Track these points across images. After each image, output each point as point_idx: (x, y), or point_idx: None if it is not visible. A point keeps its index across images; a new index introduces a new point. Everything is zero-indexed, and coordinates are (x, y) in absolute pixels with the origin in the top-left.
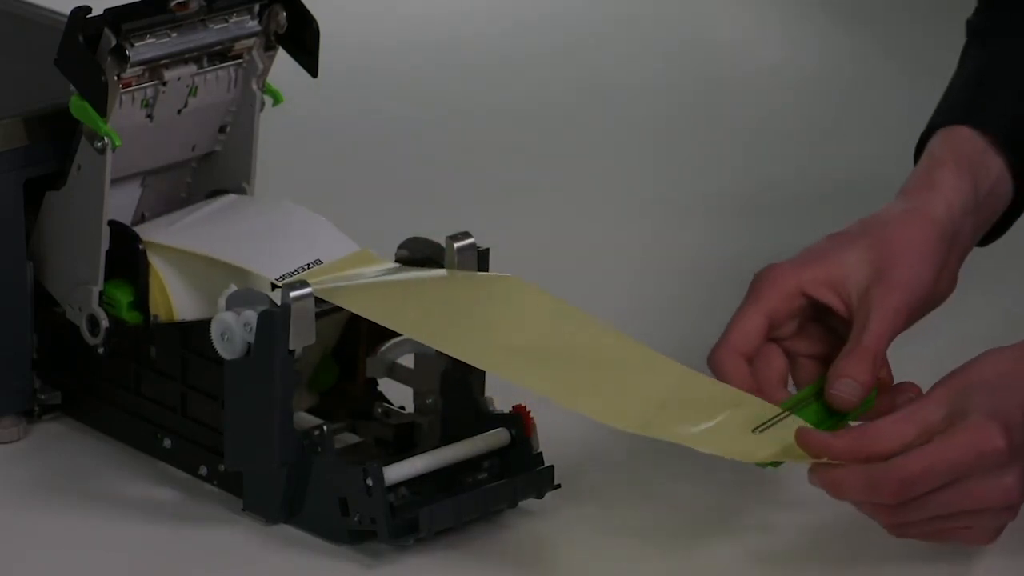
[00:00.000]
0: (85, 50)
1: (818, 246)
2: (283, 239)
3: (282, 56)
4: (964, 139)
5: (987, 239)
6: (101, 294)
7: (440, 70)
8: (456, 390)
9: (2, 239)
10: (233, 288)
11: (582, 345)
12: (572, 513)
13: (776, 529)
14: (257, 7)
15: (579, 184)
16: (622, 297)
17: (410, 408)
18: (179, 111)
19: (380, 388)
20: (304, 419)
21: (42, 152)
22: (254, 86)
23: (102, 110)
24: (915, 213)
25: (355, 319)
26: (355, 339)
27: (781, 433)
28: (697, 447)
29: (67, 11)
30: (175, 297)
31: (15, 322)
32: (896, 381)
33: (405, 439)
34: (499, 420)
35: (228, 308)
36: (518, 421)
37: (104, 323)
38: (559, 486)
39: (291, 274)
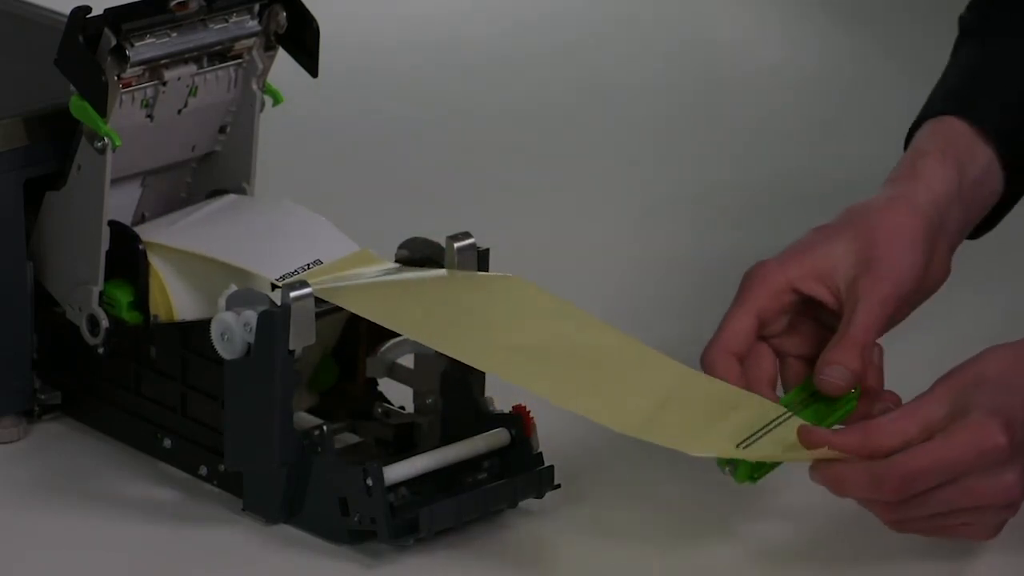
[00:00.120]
0: (85, 50)
1: (804, 240)
2: (283, 239)
3: (282, 56)
4: (951, 129)
5: (979, 231)
6: (101, 294)
7: (440, 70)
8: (456, 390)
9: (2, 239)
10: (233, 288)
11: (582, 345)
12: (572, 513)
13: (776, 529)
14: (257, 7)
15: (579, 184)
16: (622, 297)
17: (410, 408)
18: (179, 111)
19: (380, 388)
20: (304, 419)
21: (42, 152)
22: (254, 86)
23: (102, 110)
24: (899, 201)
25: (355, 319)
26: (355, 339)
27: (778, 436)
28: (692, 452)
29: (67, 11)
30: (175, 297)
31: (15, 322)
32: (897, 376)
33: (405, 439)
34: (499, 420)
35: (228, 308)
36: (518, 421)
37: (104, 323)
38: (559, 486)
39: (291, 274)
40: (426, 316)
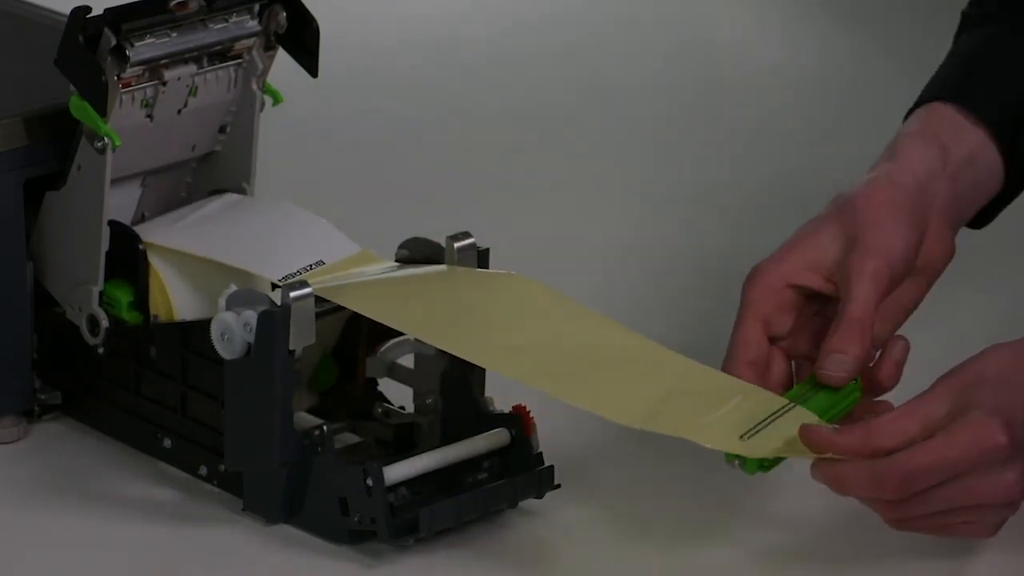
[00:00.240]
0: (85, 50)
1: (795, 235)
2: (284, 240)
3: (282, 56)
4: (936, 114)
5: (982, 220)
6: (101, 294)
7: (440, 70)
8: (456, 390)
9: (2, 239)
10: (233, 288)
11: (584, 340)
12: (572, 513)
13: (776, 528)
14: (257, 7)
15: (579, 184)
16: (622, 297)
17: (410, 408)
18: (179, 111)
19: (380, 388)
20: (304, 419)
21: (42, 152)
22: (254, 86)
23: (102, 110)
24: (878, 180)
25: (355, 319)
26: (355, 339)
27: (780, 429)
28: (697, 440)
29: (67, 11)
30: (175, 297)
31: (15, 322)
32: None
33: (405, 439)
34: (499, 420)
35: (228, 308)
36: (518, 421)
37: (104, 323)
38: (559, 486)
39: (293, 275)
40: (427, 314)
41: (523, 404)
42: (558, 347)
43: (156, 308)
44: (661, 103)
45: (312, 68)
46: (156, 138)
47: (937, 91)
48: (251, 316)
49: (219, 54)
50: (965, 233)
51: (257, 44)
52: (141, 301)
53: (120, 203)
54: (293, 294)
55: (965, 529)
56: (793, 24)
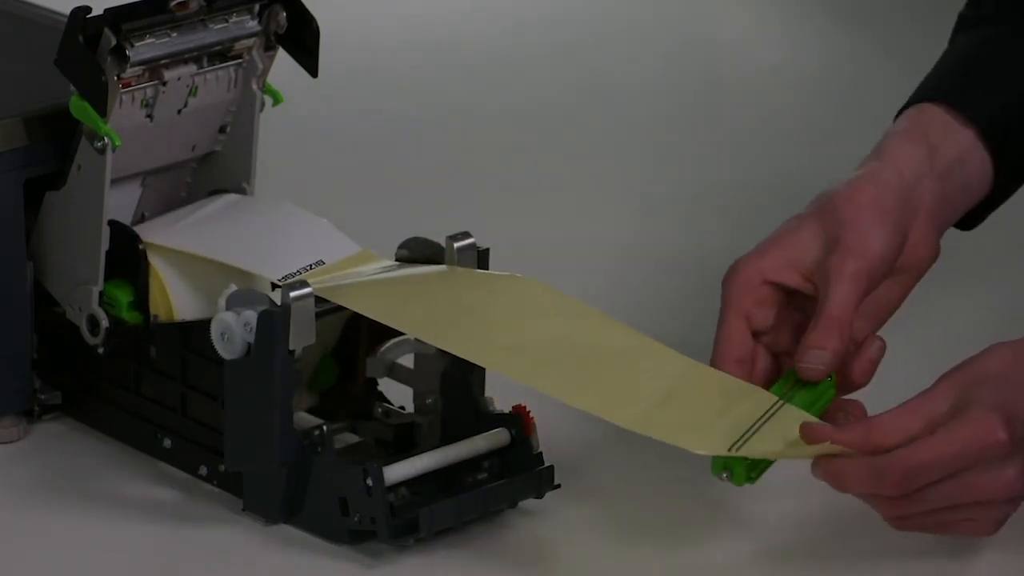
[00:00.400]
0: (85, 50)
1: (775, 232)
2: (284, 240)
3: (282, 56)
4: (924, 114)
5: (971, 222)
6: (101, 294)
7: (440, 70)
8: (456, 390)
9: (2, 239)
10: (233, 288)
11: (585, 340)
12: (572, 513)
13: (776, 528)
14: (257, 7)
15: (579, 184)
16: (622, 297)
17: (410, 408)
18: (179, 111)
19: (380, 388)
20: (304, 419)
21: (42, 152)
22: (254, 86)
23: (102, 110)
24: (861, 179)
25: (355, 319)
26: (355, 339)
27: (770, 432)
28: (688, 447)
29: (67, 11)
30: (175, 297)
31: (15, 322)
32: (893, 373)
33: (405, 439)
34: (499, 420)
35: (228, 308)
36: (518, 421)
37: (104, 323)
38: (559, 486)
39: (294, 275)
40: (427, 314)
41: (523, 404)
42: (558, 347)
43: (156, 308)
44: (661, 103)
45: (312, 68)
46: (156, 138)
47: (931, 91)
48: (251, 316)
49: (219, 54)
50: (965, 233)
51: (257, 44)
52: (141, 301)
53: (120, 203)
54: (293, 294)
55: (966, 527)
56: (793, 24)
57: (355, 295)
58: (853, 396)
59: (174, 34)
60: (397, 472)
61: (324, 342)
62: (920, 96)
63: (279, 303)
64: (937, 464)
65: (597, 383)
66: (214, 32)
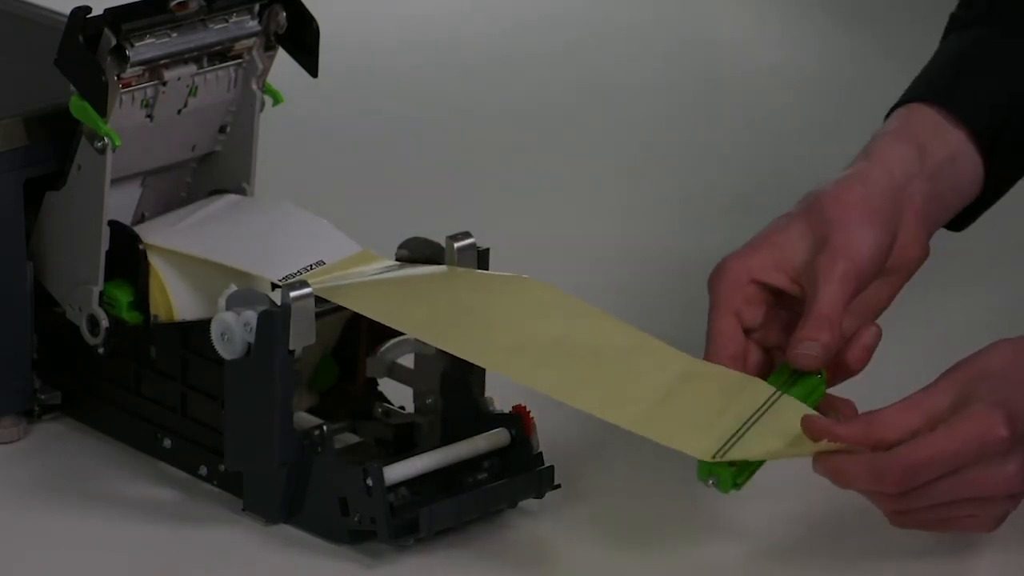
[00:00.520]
0: (85, 50)
1: (763, 231)
2: (284, 241)
3: (282, 56)
4: (914, 114)
5: (962, 223)
6: (101, 294)
7: (440, 70)
8: (456, 390)
9: (2, 239)
10: (233, 288)
11: (585, 340)
12: (572, 513)
13: (776, 528)
14: (257, 7)
15: (579, 184)
16: (621, 297)
17: (410, 408)
18: (179, 111)
19: (380, 388)
20: (304, 419)
21: (42, 152)
22: (254, 86)
23: (102, 110)
24: (850, 179)
25: (355, 319)
26: (355, 339)
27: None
28: (683, 450)
29: (67, 11)
30: (175, 297)
31: (15, 322)
32: (892, 372)
33: (405, 439)
34: (499, 420)
35: (228, 308)
36: (518, 421)
37: (104, 323)
38: (559, 486)
39: (293, 275)
40: (427, 314)
41: (523, 404)
42: (559, 347)
43: (156, 308)
44: (661, 103)
45: (312, 68)
46: (156, 138)
47: (922, 91)
48: (251, 316)
49: (219, 54)
50: (965, 232)
51: (257, 44)
52: (141, 301)
53: (120, 203)
54: (293, 294)
55: (966, 523)
56: (793, 24)
57: (355, 295)
58: (848, 396)
59: (174, 34)
60: (397, 472)
61: (324, 342)
62: (911, 96)
63: (279, 303)
64: (938, 460)
65: (597, 383)
66: (214, 32)
